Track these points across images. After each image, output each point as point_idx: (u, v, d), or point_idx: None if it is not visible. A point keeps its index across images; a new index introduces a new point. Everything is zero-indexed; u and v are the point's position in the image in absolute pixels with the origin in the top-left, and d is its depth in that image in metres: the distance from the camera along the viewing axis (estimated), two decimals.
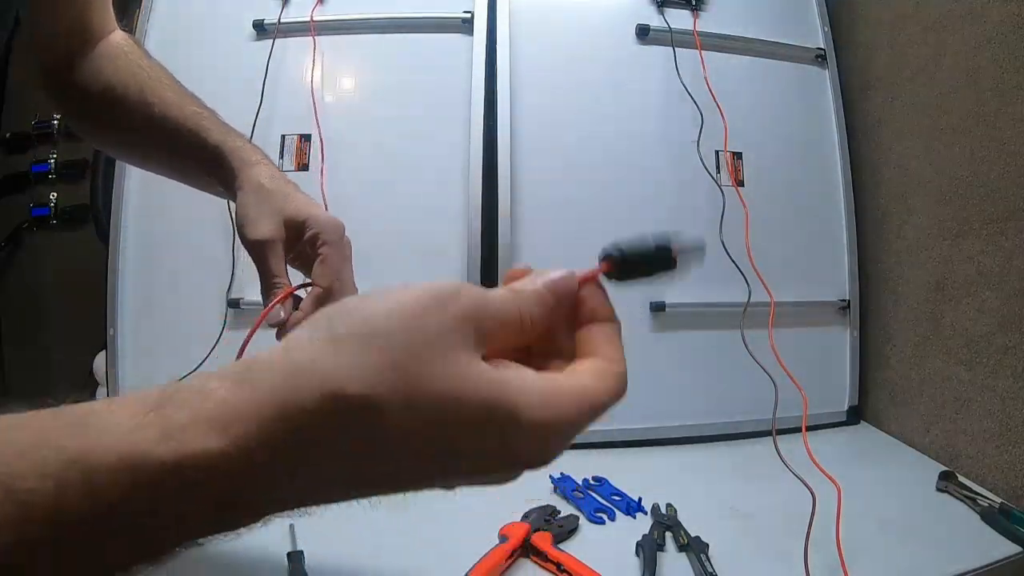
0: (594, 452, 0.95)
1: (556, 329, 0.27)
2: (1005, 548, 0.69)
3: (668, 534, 0.70)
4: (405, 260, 1.04)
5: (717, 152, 1.12)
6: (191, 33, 1.12)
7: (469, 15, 1.11)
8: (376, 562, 0.64)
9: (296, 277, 0.52)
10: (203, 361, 0.95)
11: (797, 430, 0.85)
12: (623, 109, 1.11)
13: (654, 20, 1.13)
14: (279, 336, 0.48)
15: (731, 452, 1.00)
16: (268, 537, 0.62)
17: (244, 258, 1.04)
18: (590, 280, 0.27)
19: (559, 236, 1.06)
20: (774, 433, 0.85)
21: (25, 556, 0.18)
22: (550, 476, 0.82)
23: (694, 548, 0.66)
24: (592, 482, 0.83)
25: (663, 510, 0.75)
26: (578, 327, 0.27)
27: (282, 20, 1.10)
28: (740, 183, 1.12)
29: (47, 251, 1.41)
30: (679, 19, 1.14)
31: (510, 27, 1.10)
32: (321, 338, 0.22)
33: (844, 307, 1.14)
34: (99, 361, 1.12)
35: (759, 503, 0.79)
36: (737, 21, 1.17)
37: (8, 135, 1.41)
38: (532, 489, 0.79)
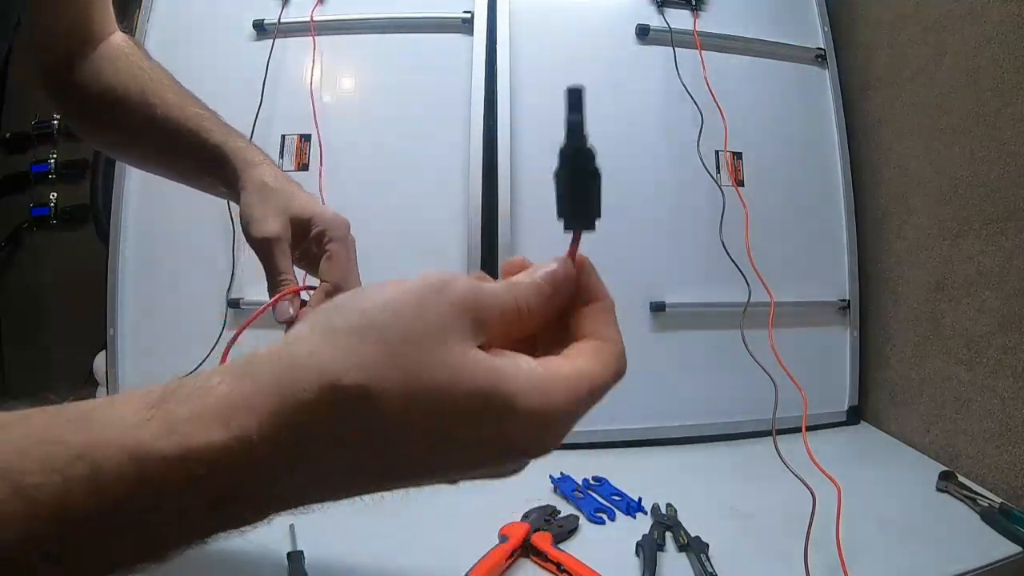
0: (594, 452, 0.94)
1: (561, 318, 0.27)
2: (1005, 548, 0.69)
3: (668, 534, 0.70)
4: (405, 260, 1.03)
5: (717, 152, 1.12)
6: (191, 33, 1.12)
7: (469, 15, 1.11)
8: (376, 562, 0.64)
9: (300, 276, 0.52)
10: (203, 361, 0.95)
11: (797, 430, 0.85)
12: (623, 109, 1.11)
13: (654, 20, 1.13)
14: None
15: (731, 452, 1.00)
16: (268, 537, 0.62)
17: (244, 258, 1.05)
18: (574, 256, 0.28)
19: (559, 236, 1.04)
20: (774, 433, 0.85)
21: (33, 554, 0.18)
22: (550, 476, 0.82)
23: (694, 548, 0.66)
24: (592, 482, 0.83)
25: (663, 510, 0.75)
26: (572, 310, 0.27)
27: (282, 20, 1.10)
28: (740, 183, 1.12)
29: (47, 251, 1.41)
30: (679, 19, 1.14)
31: (510, 27, 1.10)
32: (319, 331, 0.22)
33: (844, 307, 1.14)
34: (99, 361, 1.12)
35: (759, 503, 0.79)
36: (737, 21, 1.17)
37: (8, 135, 1.41)
38: (532, 489, 0.79)
